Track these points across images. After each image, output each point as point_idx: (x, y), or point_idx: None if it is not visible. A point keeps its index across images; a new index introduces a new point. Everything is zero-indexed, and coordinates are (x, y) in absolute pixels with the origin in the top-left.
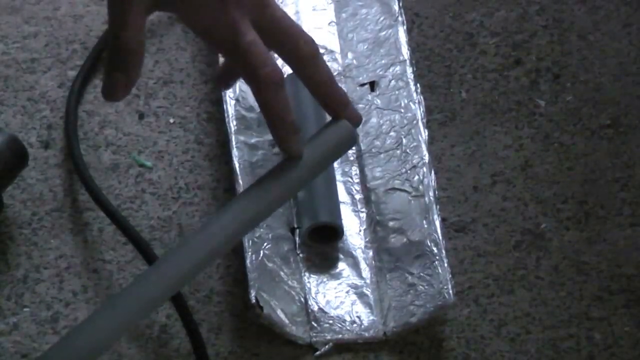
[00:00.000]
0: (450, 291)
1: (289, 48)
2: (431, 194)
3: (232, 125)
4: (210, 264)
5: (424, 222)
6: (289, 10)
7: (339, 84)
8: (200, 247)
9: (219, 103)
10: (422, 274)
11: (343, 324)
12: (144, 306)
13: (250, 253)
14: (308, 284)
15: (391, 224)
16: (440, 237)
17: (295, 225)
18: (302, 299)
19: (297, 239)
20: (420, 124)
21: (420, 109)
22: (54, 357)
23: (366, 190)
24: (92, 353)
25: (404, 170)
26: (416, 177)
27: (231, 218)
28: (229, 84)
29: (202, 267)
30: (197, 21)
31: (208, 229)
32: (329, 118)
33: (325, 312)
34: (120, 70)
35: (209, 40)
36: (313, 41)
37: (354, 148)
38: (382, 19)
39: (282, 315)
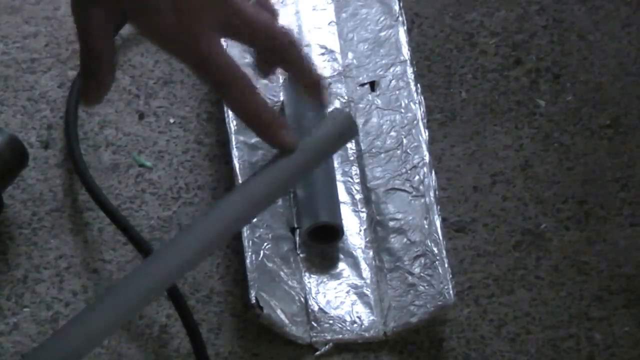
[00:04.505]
0: (451, 291)
1: (261, 42)
2: (431, 194)
3: (232, 125)
4: (209, 254)
5: (424, 222)
6: (289, 10)
7: (339, 84)
8: (198, 236)
9: (219, 103)
10: (422, 274)
11: (343, 324)
12: (140, 298)
13: (250, 253)
14: (308, 284)
15: (391, 224)
16: (441, 237)
17: (295, 225)
18: (302, 299)
19: (297, 239)
20: (420, 124)
21: (420, 109)
22: (49, 348)
23: (366, 190)
24: (89, 344)
25: (404, 170)
26: (416, 177)
27: (228, 211)
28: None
29: (199, 259)
30: (155, 32)
31: (206, 219)
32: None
33: (326, 312)
34: (89, 77)
35: (169, 52)
36: (285, 31)
37: (354, 148)
38: (382, 19)
39: (282, 315)
